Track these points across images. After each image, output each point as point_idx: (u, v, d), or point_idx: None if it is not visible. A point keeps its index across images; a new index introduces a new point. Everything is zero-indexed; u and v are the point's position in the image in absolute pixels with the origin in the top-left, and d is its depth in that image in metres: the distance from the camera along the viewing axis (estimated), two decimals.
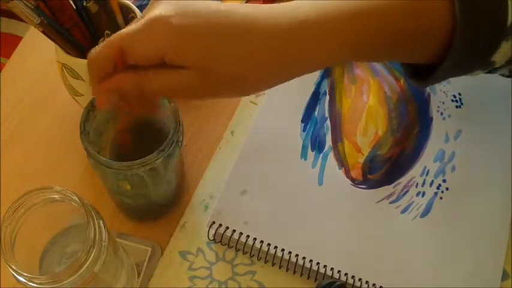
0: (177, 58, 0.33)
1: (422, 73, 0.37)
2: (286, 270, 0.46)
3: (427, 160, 0.50)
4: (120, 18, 0.46)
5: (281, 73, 0.35)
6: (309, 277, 0.46)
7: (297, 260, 0.45)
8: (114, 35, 0.34)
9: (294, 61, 0.34)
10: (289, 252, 0.45)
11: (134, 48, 0.33)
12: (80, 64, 0.44)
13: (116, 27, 0.45)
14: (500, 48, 0.33)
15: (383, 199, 0.49)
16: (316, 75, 0.54)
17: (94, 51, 0.35)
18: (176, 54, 0.33)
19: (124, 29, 0.34)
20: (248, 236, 0.46)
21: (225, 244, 0.47)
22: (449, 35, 0.33)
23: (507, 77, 0.38)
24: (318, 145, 0.51)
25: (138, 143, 0.45)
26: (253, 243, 0.46)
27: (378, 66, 0.54)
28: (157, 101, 0.38)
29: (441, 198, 0.49)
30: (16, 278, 0.33)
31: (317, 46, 0.34)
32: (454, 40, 0.33)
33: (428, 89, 0.53)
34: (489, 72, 0.37)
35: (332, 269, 0.45)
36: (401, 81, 0.54)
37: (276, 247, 0.46)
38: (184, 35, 0.33)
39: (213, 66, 0.33)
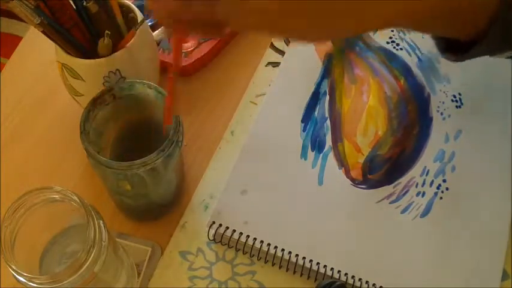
0: None
1: (455, 48, 0.39)
2: (286, 270, 0.46)
3: (427, 160, 0.50)
4: (120, 18, 0.46)
5: (370, 16, 0.33)
6: (309, 277, 0.46)
7: (297, 260, 0.45)
8: None
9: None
10: (289, 252, 0.45)
11: None
12: (80, 64, 0.44)
13: (116, 27, 0.45)
14: None
15: (383, 199, 0.49)
16: (316, 75, 0.54)
17: None
18: None
19: None
20: (248, 236, 0.46)
21: (225, 244, 0.47)
22: (494, 13, 0.35)
23: None
24: (318, 145, 0.51)
25: (138, 143, 0.45)
26: (253, 243, 0.46)
27: (378, 66, 0.54)
28: (222, 26, 0.34)
29: (441, 198, 0.49)
30: (16, 278, 0.33)
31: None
32: (496, 18, 0.35)
33: (428, 89, 0.53)
34: None
35: (332, 269, 0.45)
36: (401, 81, 0.54)
37: (276, 247, 0.46)
38: None
39: None
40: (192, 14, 0.32)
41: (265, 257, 0.46)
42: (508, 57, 0.40)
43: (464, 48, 0.38)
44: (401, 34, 0.56)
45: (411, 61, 0.55)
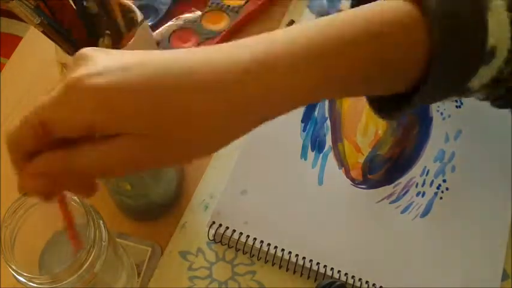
0: (107, 125, 0.27)
1: (388, 104, 0.34)
2: (286, 270, 0.46)
3: (427, 160, 0.50)
4: (120, 18, 0.46)
5: (230, 127, 0.30)
6: (309, 277, 0.46)
7: (297, 260, 0.45)
8: (32, 109, 0.28)
9: (240, 109, 0.29)
10: (289, 252, 0.45)
11: (56, 122, 0.28)
12: None
13: (115, 27, 0.45)
14: (477, 74, 0.31)
15: (383, 199, 0.49)
16: None
17: (12, 132, 0.29)
18: (106, 121, 0.27)
19: (42, 100, 0.28)
20: (248, 236, 0.46)
21: (225, 244, 0.47)
22: (426, 63, 0.31)
23: (481, 100, 0.37)
24: (318, 145, 0.51)
25: None
26: (253, 243, 0.46)
27: None
28: (93, 181, 0.31)
29: (441, 198, 0.49)
30: (16, 278, 0.33)
31: (283, 83, 0.29)
32: (431, 69, 0.30)
33: None
34: (465, 96, 0.36)
35: (332, 269, 0.45)
36: None
37: (276, 247, 0.46)
38: (112, 94, 0.27)
39: (152, 128, 0.28)
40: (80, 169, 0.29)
41: (265, 257, 0.46)
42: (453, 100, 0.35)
43: (397, 103, 0.33)
44: None
45: None
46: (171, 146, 0.29)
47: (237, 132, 0.30)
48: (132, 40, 0.44)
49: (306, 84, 0.30)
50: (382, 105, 0.35)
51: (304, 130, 0.51)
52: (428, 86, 0.31)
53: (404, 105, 0.33)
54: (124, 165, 0.29)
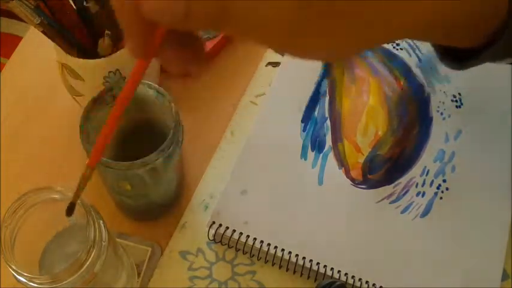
0: None
1: (455, 56, 0.37)
2: (286, 270, 0.46)
3: (427, 160, 0.50)
4: None
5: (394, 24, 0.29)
6: (309, 277, 0.46)
7: (297, 260, 0.45)
8: None
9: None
10: (289, 252, 0.45)
11: None
12: (80, 64, 0.44)
13: (116, 27, 0.45)
14: None
15: (383, 199, 0.49)
16: (316, 75, 0.54)
17: None
18: None
19: None
20: (248, 236, 0.46)
21: (225, 244, 0.47)
22: (504, 17, 0.32)
23: None
24: (318, 145, 0.51)
25: (138, 143, 0.45)
26: (253, 243, 0.46)
27: (377, 65, 0.54)
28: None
29: (441, 198, 0.49)
30: (16, 278, 0.33)
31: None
32: (509, 23, 0.32)
33: (428, 89, 0.53)
34: None
35: (332, 269, 0.45)
36: (402, 81, 0.54)
37: (276, 247, 0.46)
38: None
39: None
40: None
41: (265, 257, 0.46)
42: (508, 63, 0.38)
43: (463, 55, 0.36)
44: None
45: (411, 61, 0.55)
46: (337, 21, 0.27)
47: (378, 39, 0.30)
48: None
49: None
50: (446, 58, 0.38)
51: (304, 130, 0.51)
52: (504, 38, 0.33)
53: (472, 61, 0.35)
54: (277, 27, 0.26)
